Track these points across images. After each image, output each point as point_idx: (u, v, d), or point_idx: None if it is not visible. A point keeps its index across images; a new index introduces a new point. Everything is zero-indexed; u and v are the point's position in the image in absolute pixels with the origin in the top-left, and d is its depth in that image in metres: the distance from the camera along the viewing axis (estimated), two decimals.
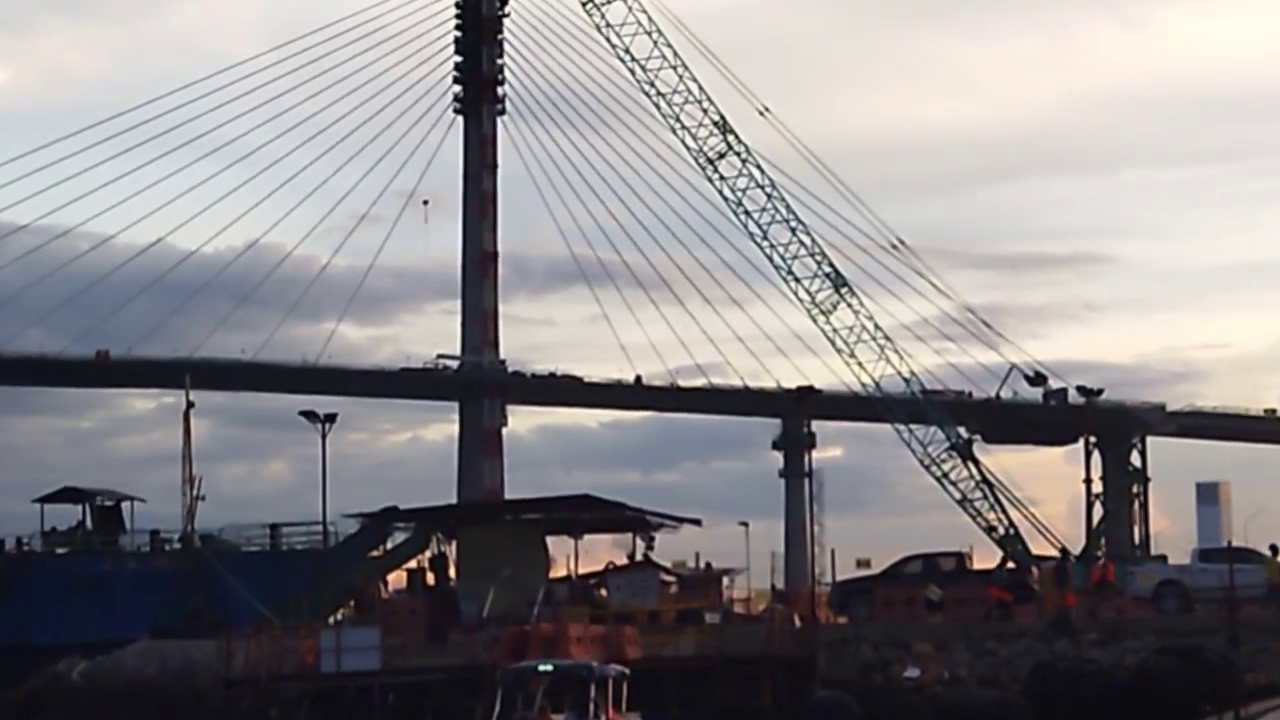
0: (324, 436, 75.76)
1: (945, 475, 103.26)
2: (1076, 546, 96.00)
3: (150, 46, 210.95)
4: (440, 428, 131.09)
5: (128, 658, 69.01)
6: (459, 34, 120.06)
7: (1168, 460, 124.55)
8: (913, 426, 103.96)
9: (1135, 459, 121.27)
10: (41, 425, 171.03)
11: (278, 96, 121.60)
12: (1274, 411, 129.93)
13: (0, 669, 74.24)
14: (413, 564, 78.45)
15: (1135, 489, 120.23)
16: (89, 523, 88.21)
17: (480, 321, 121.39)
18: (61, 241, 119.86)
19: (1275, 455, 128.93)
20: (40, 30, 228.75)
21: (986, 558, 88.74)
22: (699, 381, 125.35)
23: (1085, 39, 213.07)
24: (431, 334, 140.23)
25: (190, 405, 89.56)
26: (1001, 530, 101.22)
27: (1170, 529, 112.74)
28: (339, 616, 71.24)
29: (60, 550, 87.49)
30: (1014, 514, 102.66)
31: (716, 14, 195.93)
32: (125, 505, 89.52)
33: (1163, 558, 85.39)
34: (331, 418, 77.14)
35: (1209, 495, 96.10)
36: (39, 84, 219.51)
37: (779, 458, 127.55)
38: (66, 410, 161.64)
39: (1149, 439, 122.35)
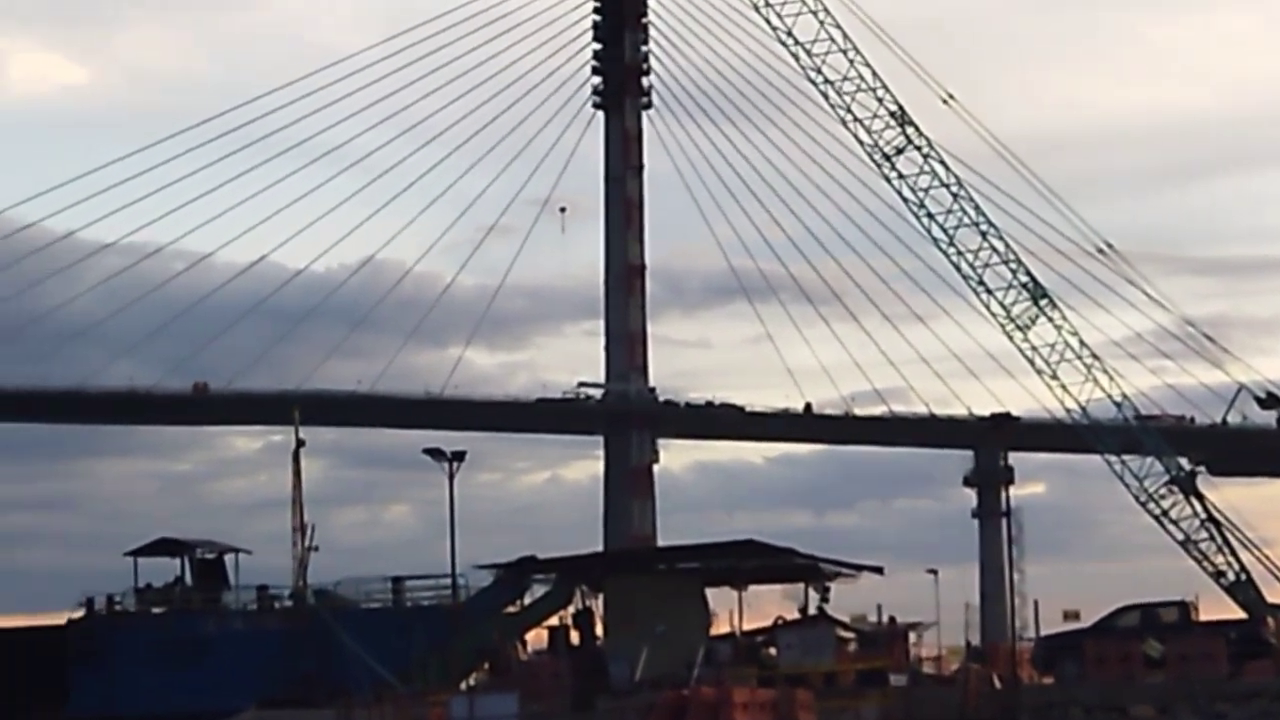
0: (451, 477, 76.40)
1: (1164, 513, 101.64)
2: None
3: (247, 41, 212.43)
4: (583, 466, 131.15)
5: None
6: (598, 18, 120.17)
7: None
8: (1126, 458, 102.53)
9: None
10: (133, 468, 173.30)
11: (392, 94, 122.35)
12: None
13: None
14: (554, 621, 77.98)
15: None
16: (188, 578, 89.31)
17: (626, 344, 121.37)
18: (152, 262, 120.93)
19: None
20: (122, 25, 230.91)
21: (1214, 607, 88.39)
22: (878, 409, 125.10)
23: None
24: (571, 359, 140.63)
25: (300, 444, 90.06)
26: (1231, 575, 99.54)
27: None
28: (472, 681, 71.11)
29: (156, 609, 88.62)
30: (1245, 556, 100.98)
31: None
32: (228, 558, 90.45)
33: None
34: (460, 455, 77.72)
35: None
36: (122, 85, 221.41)
37: (971, 495, 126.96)
38: (161, 451, 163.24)
39: None
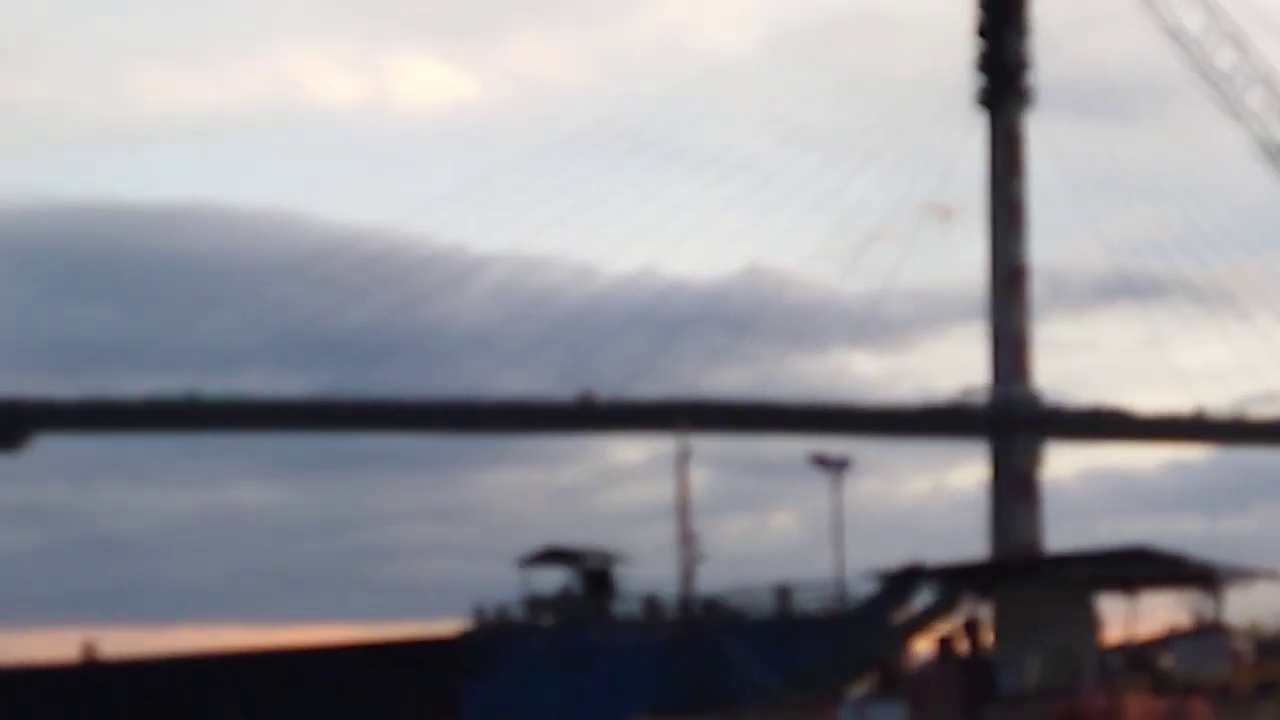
0: (836, 484, 76.38)
1: None
2: None
3: (630, 48, 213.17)
4: (967, 472, 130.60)
5: None
6: (981, 14, 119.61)
7: None
8: None
9: None
10: (520, 478, 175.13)
11: (774, 99, 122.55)
12: None
13: None
14: (942, 629, 77.95)
15: None
16: (576, 588, 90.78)
17: (1010, 348, 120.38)
18: (539, 271, 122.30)
19: None
20: (511, 34, 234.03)
21: None
22: (1273, 411, 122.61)
23: None
24: (955, 363, 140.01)
25: (686, 451, 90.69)
26: None
27: None
28: (860, 690, 71.19)
29: (545, 620, 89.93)
30: None
31: None
32: (616, 569, 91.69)
33: None
34: (844, 463, 77.84)
35: None
36: (510, 97, 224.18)
37: None
38: (547, 460, 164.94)
39: None
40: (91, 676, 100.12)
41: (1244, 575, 70.01)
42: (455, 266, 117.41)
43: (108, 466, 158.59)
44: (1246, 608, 70.22)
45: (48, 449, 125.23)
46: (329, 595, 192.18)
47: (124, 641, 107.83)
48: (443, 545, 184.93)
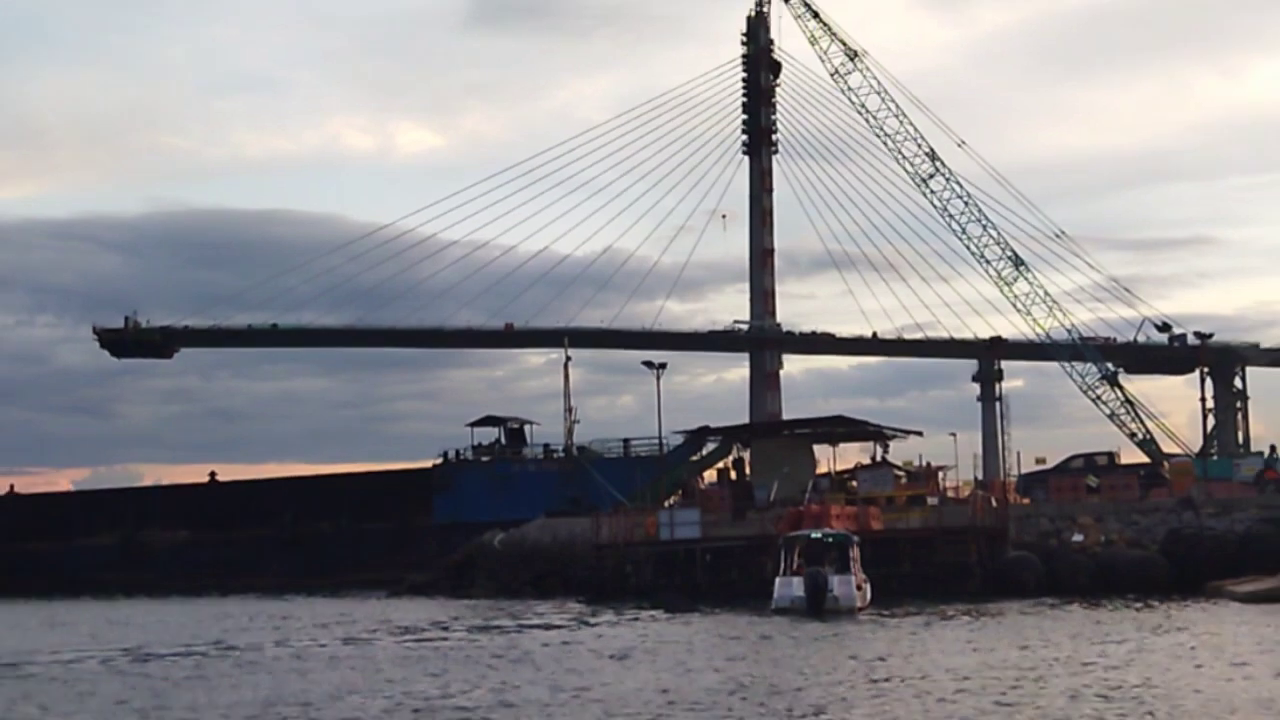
0: (659, 379, 75.66)
1: (1098, 397, 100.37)
2: (1195, 447, 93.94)
3: (534, 118, 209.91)
4: (738, 371, 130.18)
5: (530, 531, 70.30)
6: (745, 99, 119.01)
7: (1262, 384, 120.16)
8: (1074, 364, 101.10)
9: (1237, 383, 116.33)
10: (469, 375, 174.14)
11: (626, 146, 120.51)
12: None
13: (445, 539, 76.24)
14: (721, 465, 78.18)
15: (1238, 405, 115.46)
16: (503, 439, 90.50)
17: (763, 297, 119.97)
18: (480, 251, 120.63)
19: None
20: (465, 111, 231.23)
21: (1130, 456, 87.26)
22: (918, 335, 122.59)
23: (1194, 84, 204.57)
24: (730, 307, 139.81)
25: (568, 359, 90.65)
26: (1140, 436, 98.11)
27: (1265, 434, 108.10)
28: (671, 502, 70.55)
29: (484, 459, 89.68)
30: (1149, 424, 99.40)
31: (926, 74, 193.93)
32: (527, 428, 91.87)
33: (1259, 455, 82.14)
34: (663, 365, 77.19)
35: None
36: (463, 146, 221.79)
37: (976, 388, 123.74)
38: (485, 364, 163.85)
39: (1248, 369, 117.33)
40: (214, 491, 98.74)
41: (900, 433, 69.85)
42: (431, 248, 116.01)
43: (221, 366, 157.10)
44: (902, 452, 69.78)
45: (187, 356, 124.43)
46: (355, 444, 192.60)
47: (232, 472, 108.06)
48: (423, 415, 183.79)
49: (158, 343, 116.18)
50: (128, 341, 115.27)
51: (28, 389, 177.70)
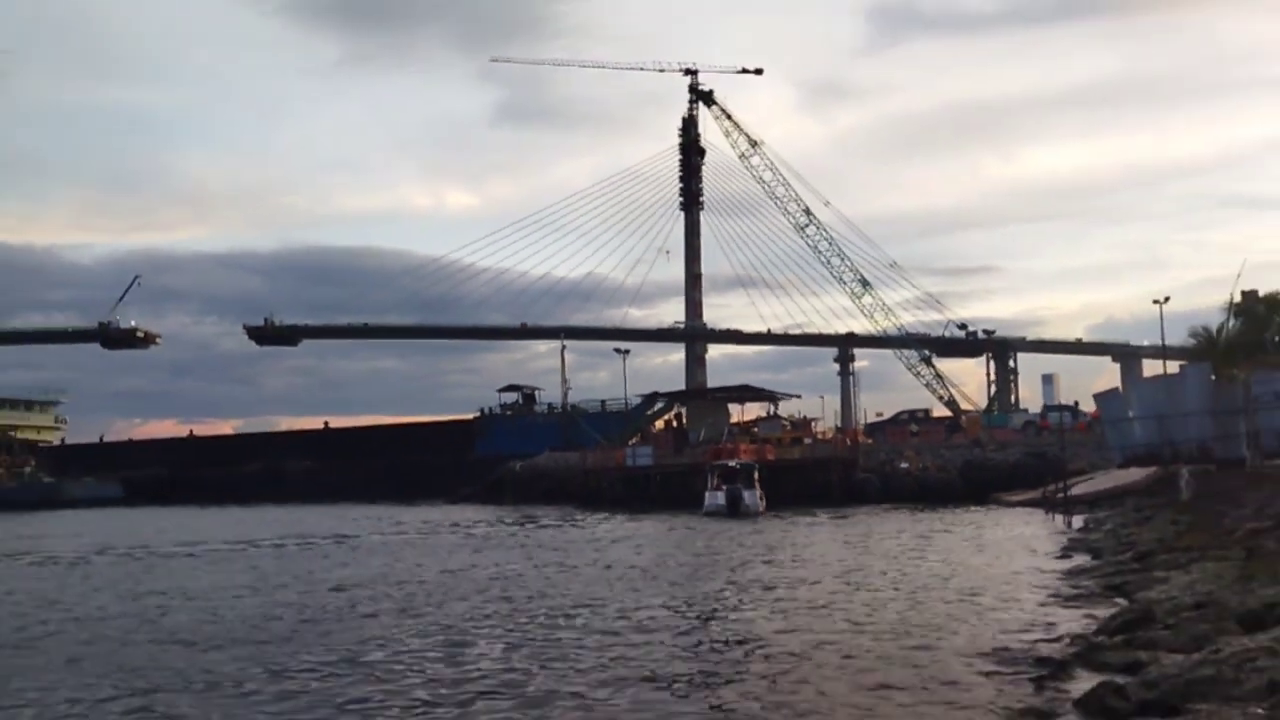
0: (624, 361, 76.06)
1: (918, 373, 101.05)
2: (983, 406, 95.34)
3: (533, 186, 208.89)
4: (677, 355, 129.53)
5: (540, 461, 70.44)
6: (681, 173, 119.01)
7: (1027, 364, 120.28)
8: (902, 351, 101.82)
9: (1011, 363, 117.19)
10: (497, 358, 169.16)
11: (601, 204, 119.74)
12: (1079, 340, 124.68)
13: (483, 467, 75.66)
14: (666, 418, 77.79)
15: (1010, 378, 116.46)
16: (520, 400, 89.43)
17: (694, 306, 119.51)
18: (503, 275, 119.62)
19: (1081, 362, 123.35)
20: (489, 180, 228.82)
21: (939, 412, 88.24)
22: (798, 331, 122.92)
23: (983, 163, 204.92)
24: (672, 312, 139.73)
25: (564, 347, 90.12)
26: (946, 398, 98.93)
27: (1029, 396, 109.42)
28: (633, 442, 71.06)
29: (508, 413, 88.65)
30: (953, 390, 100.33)
31: (804, 155, 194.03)
32: (537, 393, 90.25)
33: (1024, 411, 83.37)
34: (628, 351, 77.44)
35: (1048, 380, 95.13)
36: (488, 205, 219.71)
37: (836, 366, 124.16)
38: (507, 350, 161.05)
39: (1018, 354, 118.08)
40: (328, 435, 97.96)
41: (786, 396, 70.14)
42: (471, 272, 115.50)
43: (330, 352, 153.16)
44: (787, 409, 70.46)
45: (307, 345, 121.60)
46: (421, 404, 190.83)
47: (338, 421, 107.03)
48: (466, 384, 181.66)
49: (287, 335, 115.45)
50: (267, 334, 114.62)
51: (200, 367, 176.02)
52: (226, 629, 18.17)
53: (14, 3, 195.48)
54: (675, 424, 73.21)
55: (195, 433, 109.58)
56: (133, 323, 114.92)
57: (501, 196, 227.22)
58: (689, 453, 60.74)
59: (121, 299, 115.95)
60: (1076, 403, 76.79)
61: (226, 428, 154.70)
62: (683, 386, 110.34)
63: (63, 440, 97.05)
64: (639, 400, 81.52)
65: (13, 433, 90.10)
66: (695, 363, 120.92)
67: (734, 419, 70.87)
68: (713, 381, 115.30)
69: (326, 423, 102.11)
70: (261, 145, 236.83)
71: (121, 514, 67.98)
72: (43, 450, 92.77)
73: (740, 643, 15.66)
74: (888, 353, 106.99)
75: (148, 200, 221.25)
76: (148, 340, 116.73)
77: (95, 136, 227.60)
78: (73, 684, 14.21)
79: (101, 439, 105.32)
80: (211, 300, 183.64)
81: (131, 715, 12.64)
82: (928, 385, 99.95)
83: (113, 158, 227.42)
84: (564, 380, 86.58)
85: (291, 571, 27.48)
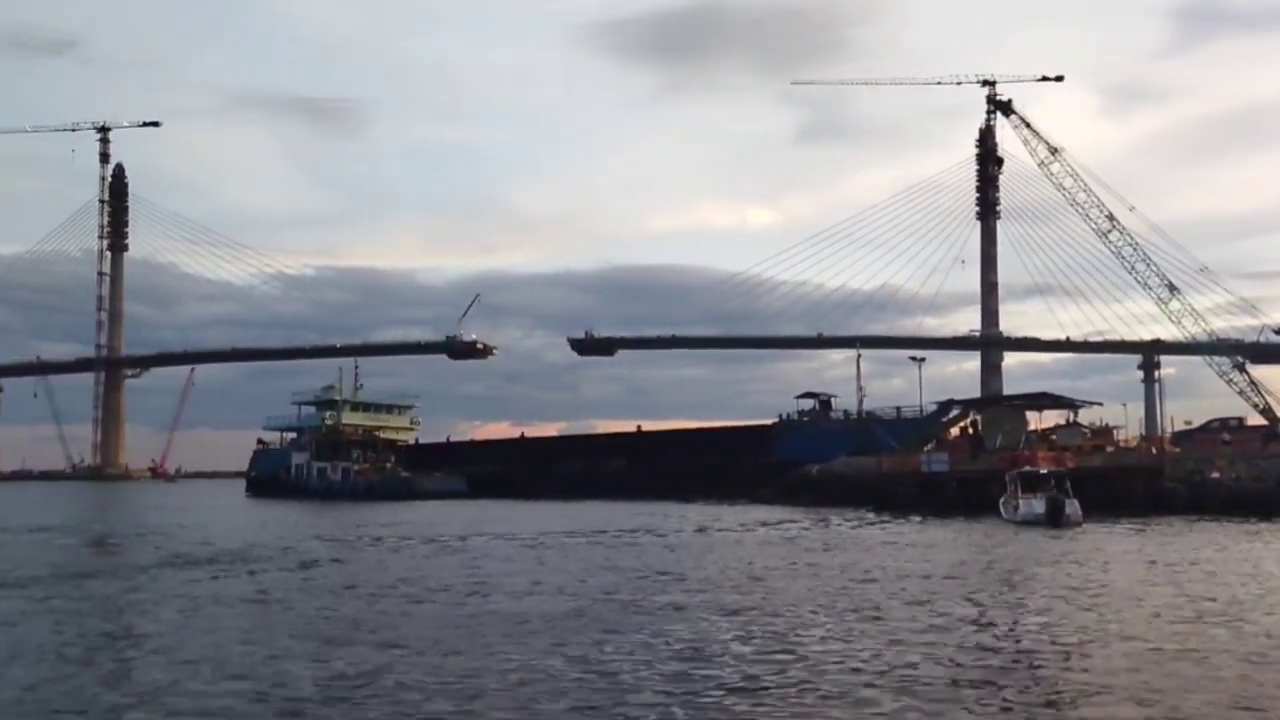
0: (920, 369, 73.94)
1: (1231, 380, 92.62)
2: None
3: (838, 202, 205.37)
4: (972, 363, 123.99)
5: (836, 465, 69.52)
6: (978, 183, 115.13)
7: None
8: (1214, 358, 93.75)
9: None
10: (794, 366, 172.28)
11: (896, 216, 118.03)
12: None
13: (781, 470, 73.96)
14: (961, 425, 75.17)
15: None
16: (817, 407, 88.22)
17: (990, 315, 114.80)
18: (800, 286, 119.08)
19: None
20: (784, 197, 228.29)
21: (1254, 420, 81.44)
22: (1099, 338, 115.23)
23: None
24: (968, 321, 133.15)
25: (859, 356, 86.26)
26: (1260, 406, 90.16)
27: None
28: (928, 449, 69.44)
29: (805, 419, 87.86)
30: (1268, 399, 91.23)
31: (1105, 161, 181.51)
32: (832, 400, 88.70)
33: None
34: (923, 359, 76.55)
35: None
36: (783, 223, 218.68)
37: (1140, 374, 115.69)
38: (804, 359, 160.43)
39: None
40: (641, 437, 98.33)
41: (1086, 404, 67.06)
42: (769, 286, 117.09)
43: (642, 361, 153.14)
44: (1087, 417, 66.79)
45: (622, 355, 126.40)
46: (723, 410, 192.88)
47: (650, 425, 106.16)
48: (765, 391, 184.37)
49: (604, 346, 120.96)
50: (587, 346, 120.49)
51: (529, 375, 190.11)
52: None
53: (379, 55, 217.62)
54: (971, 431, 70.83)
55: (525, 434, 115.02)
56: (474, 336, 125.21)
57: (798, 213, 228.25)
58: (985, 459, 58.78)
59: (464, 315, 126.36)
60: None
61: (551, 430, 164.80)
62: (978, 394, 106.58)
63: (416, 440, 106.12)
64: (934, 407, 79.30)
65: (378, 433, 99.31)
66: (990, 370, 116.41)
67: (1031, 426, 67.88)
68: (1008, 389, 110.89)
69: (639, 426, 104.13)
70: (583, 173, 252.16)
71: (469, 505, 71.25)
72: (400, 449, 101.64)
73: None
74: (1196, 360, 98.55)
75: (486, 227, 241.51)
76: (486, 351, 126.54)
77: (442, 171, 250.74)
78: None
79: (448, 439, 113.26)
80: (540, 315, 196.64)
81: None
82: (1241, 393, 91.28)
83: (457, 190, 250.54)
84: (859, 388, 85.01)
85: (709, 560, 29.03)
